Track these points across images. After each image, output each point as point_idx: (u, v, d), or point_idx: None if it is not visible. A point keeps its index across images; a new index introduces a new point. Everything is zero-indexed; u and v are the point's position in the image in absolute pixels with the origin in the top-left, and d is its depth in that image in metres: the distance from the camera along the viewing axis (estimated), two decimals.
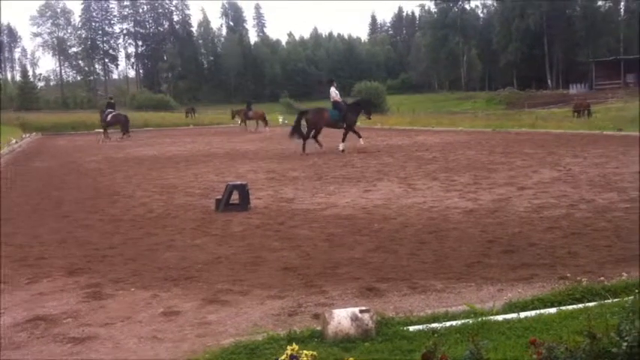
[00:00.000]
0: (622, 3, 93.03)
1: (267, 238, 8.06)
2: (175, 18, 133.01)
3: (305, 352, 3.24)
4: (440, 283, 5.74)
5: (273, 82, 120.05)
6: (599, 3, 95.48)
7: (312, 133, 21.91)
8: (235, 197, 10.33)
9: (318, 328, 4.37)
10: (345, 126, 21.90)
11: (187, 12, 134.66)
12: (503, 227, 8.14)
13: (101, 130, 36.24)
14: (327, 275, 6.15)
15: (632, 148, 18.36)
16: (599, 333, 3.52)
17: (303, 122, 21.91)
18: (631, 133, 24.42)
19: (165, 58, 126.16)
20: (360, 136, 22.06)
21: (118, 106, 42.10)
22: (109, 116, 34.87)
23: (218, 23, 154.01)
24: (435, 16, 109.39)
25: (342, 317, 4.18)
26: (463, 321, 4.44)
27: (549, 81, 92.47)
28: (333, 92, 22.31)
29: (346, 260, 6.71)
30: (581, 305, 4.71)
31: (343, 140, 21.76)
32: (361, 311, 4.24)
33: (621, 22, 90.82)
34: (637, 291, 4.75)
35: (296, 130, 21.76)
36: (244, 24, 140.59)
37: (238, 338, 4.33)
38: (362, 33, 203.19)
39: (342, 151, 21.08)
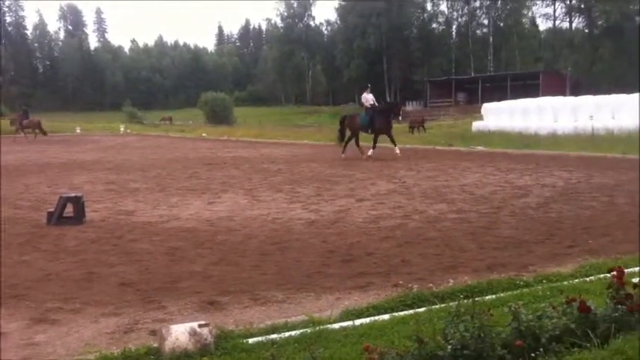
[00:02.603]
0: (454, 27, 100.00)
1: (103, 252, 7.70)
2: (8, 19, 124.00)
3: None
4: (281, 294, 5.79)
5: (115, 89, 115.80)
6: (434, 26, 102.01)
7: (348, 136, 22.60)
8: (69, 210, 9.79)
9: (155, 344, 4.23)
10: (370, 131, 22.03)
11: (21, 13, 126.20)
12: (343, 237, 8.40)
13: None
14: (167, 290, 5.99)
15: (462, 162, 19.75)
16: (427, 337, 3.72)
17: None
18: (460, 148, 26.28)
19: None
20: (396, 144, 22.03)
21: None
22: None
23: (56, 26, 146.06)
24: (282, 30, 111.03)
25: (179, 333, 4.09)
26: (302, 331, 4.51)
27: (388, 97, 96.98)
28: (364, 98, 22.58)
29: (187, 274, 6.58)
30: (411, 311, 4.95)
31: (373, 147, 21.68)
32: (200, 326, 4.16)
33: (453, 44, 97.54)
34: (461, 296, 5.10)
35: (342, 135, 22.71)
36: (84, 28, 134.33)
37: (68, 359, 4.09)
38: (209, 43, 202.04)
39: (369, 157, 21.02)
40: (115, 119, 74.41)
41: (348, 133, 23.09)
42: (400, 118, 23.38)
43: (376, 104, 22.99)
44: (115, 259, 7.36)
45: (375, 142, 22.15)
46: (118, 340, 4.62)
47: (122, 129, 54.84)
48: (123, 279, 6.42)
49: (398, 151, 21.89)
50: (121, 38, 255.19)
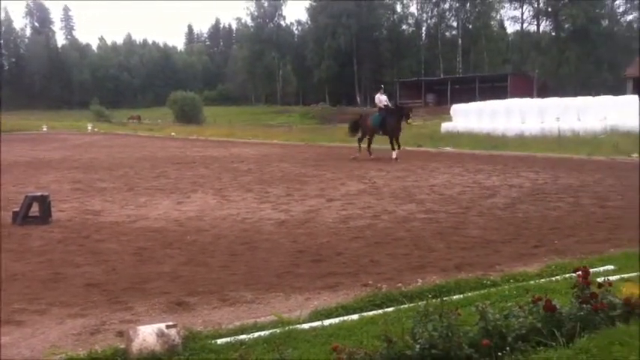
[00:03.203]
0: (423, 29, 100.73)
1: (69, 253, 7.58)
2: None
3: None
4: (250, 294, 5.77)
5: (83, 88, 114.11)
6: (404, 27, 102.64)
7: (359, 136, 22.55)
8: (35, 209, 9.62)
9: (122, 346, 4.18)
10: (381, 132, 21.78)
11: None
12: (313, 237, 8.40)
13: None
14: (134, 291, 5.92)
15: (431, 162, 19.90)
16: (396, 337, 3.74)
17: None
18: (429, 148, 26.47)
19: None
20: (395, 148, 21.51)
21: None
22: None
23: (22, 23, 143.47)
24: (252, 30, 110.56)
25: (147, 334, 4.04)
26: (271, 331, 4.50)
27: (358, 98, 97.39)
28: (377, 99, 22.35)
29: (155, 274, 6.51)
30: (380, 311, 4.97)
31: (392, 148, 21.36)
32: (167, 327, 4.12)
33: (422, 46, 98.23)
34: (430, 296, 5.14)
35: (353, 129, 23.13)
36: (51, 25, 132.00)
37: None
38: (178, 42, 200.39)
39: (396, 159, 20.69)
40: (83, 118, 73.50)
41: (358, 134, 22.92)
42: (410, 121, 22.25)
43: (390, 105, 22.65)
44: (82, 259, 7.26)
45: (392, 143, 21.56)
46: (85, 342, 4.56)
47: (89, 127, 54.17)
48: (89, 279, 6.33)
49: (395, 155, 21.32)
50: (88, 36, 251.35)
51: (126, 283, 6.17)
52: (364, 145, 22.61)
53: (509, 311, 4.13)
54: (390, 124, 21.60)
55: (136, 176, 16.65)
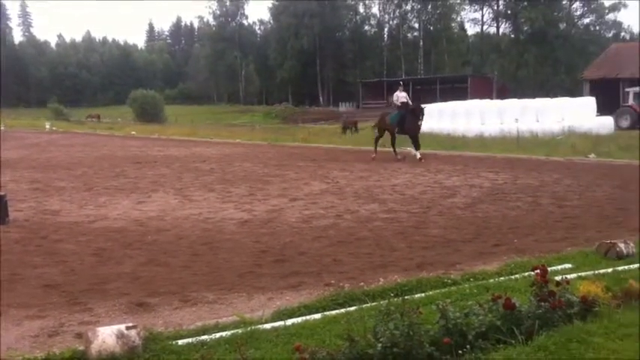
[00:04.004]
0: (385, 30, 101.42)
1: (27, 253, 7.42)
2: None
3: None
4: (212, 295, 5.73)
5: (41, 85, 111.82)
6: (366, 28, 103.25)
7: (377, 136, 21.96)
8: None
9: (81, 348, 4.11)
10: (398, 131, 21.05)
11: None
12: (276, 237, 8.38)
13: None
14: (94, 292, 5.83)
15: (393, 162, 20.03)
16: (358, 336, 3.76)
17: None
18: (391, 149, 26.61)
19: None
20: (415, 147, 20.71)
21: None
22: None
23: None
24: (214, 29, 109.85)
25: (106, 335, 3.98)
26: (233, 331, 4.48)
27: (321, 98, 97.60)
28: (395, 96, 21.58)
29: (115, 275, 6.42)
30: (343, 310, 4.98)
31: (415, 148, 20.69)
32: (127, 328, 4.07)
33: (385, 47, 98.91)
34: (392, 295, 5.18)
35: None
36: (8, 22, 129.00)
37: None
38: (139, 40, 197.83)
39: (420, 159, 20.03)
40: (41, 116, 71.94)
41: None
42: (421, 123, 21.16)
43: (409, 103, 21.65)
44: (40, 260, 7.11)
45: (414, 143, 20.84)
46: (42, 344, 4.48)
47: (48, 126, 53.03)
48: (48, 280, 6.22)
49: (419, 155, 20.40)
50: (47, 33, 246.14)
51: (85, 284, 6.07)
52: (389, 149, 21.86)
53: (470, 309, 4.18)
54: (408, 123, 20.66)
55: (95, 176, 16.38)
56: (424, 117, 21.18)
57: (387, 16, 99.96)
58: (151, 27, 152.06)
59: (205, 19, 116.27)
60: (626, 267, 6.06)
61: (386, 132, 21.97)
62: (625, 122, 35.33)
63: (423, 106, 21.35)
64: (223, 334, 4.42)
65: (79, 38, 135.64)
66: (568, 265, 6.34)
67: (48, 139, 37.14)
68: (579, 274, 5.76)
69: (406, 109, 21.16)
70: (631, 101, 37.10)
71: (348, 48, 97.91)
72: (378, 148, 22.40)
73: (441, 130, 31.97)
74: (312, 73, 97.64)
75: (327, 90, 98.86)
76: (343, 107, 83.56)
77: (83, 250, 7.61)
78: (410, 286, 5.64)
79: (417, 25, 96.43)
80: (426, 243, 7.95)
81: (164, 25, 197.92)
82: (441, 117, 33.82)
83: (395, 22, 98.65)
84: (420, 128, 21.00)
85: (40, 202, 11.72)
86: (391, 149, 21.77)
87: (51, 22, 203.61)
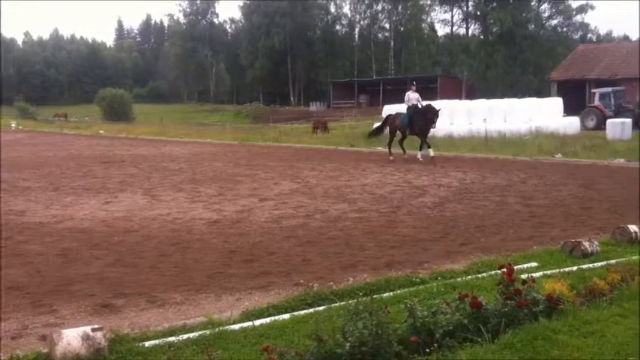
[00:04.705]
0: (356, 30, 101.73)
1: None
2: None
3: None
4: (180, 296, 5.68)
5: (7, 83, 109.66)
6: (337, 28, 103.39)
7: (390, 137, 21.44)
8: None
9: (45, 350, 4.05)
10: (409, 132, 20.71)
11: None
12: (245, 237, 8.35)
13: None
14: (59, 293, 5.74)
15: (363, 162, 20.10)
16: (326, 335, 3.76)
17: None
18: (362, 148, 26.75)
19: None
20: (425, 147, 20.18)
21: None
22: None
23: None
24: (184, 27, 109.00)
25: (71, 337, 3.92)
26: (200, 332, 4.44)
27: (292, 98, 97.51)
28: (406, 97, 21.07)
29: (81, 276, 6.33)
30: (312, 310, 4.98)
31: (428, 147, 20.18)
32: (93, 329, 4.01)
33: (355, 47, 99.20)
34: (360, 294, 5.20)
35: (378, 130, 22.32)
36: None
37: None
38: (108, 38, 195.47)
39: (432, 157, 19.74)
40: (6, 115, 70.57)
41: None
42: (434, 125, 20.29)
43: (421, 103, 21.00)
44: (4, 261, 6.99)
45: (425, 143, 20.39)
46: (5, 346, 4.41)
47: (13, 125, 52.14)
48: (11, 282, 6.11)
49: (432, 153, 20.10)
50: (13, 30, 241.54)
51: (50, 286, 5.98)
52: (391, 144, 21.53)
53: (437, 308, 4.22)
54: (418, 124, 20.21)
55: (62, 175, 16.15)
56: (433, 123, 20.23)
57: (358, 16, 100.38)
58: (120, 25, 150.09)
59: (175, 18, 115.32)
60: (590, 265, 6.16)
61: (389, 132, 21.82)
62: (591, 123, 35.92)
63: (437, 108, 20.64)
64: (191, 335, 4.39)
65: (46, 36, 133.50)
66: (534, 264, 6.42)
67: (14, 139, 36.51)
68: (545, 272, 5.84)
69: (416, 110, 20.66)
70: (597, 102, 37.74)
71: (319, 47, 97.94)
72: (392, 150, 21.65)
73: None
74: (283, 73, 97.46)
75: (298, 89, 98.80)
76: (314, 107, 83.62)
77: (49, 251, 7.50)
78: (379, 286, 5.66)
79: (387, 26, 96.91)
80: (395, 242, 7.99)
81: (133, 23, 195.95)
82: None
83: (366, 22, 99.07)
84: (429, 130, 20.50)
85: (5, 202, 11.52)
86: (388, 149, 21.65)
87: (18, 20, 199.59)
